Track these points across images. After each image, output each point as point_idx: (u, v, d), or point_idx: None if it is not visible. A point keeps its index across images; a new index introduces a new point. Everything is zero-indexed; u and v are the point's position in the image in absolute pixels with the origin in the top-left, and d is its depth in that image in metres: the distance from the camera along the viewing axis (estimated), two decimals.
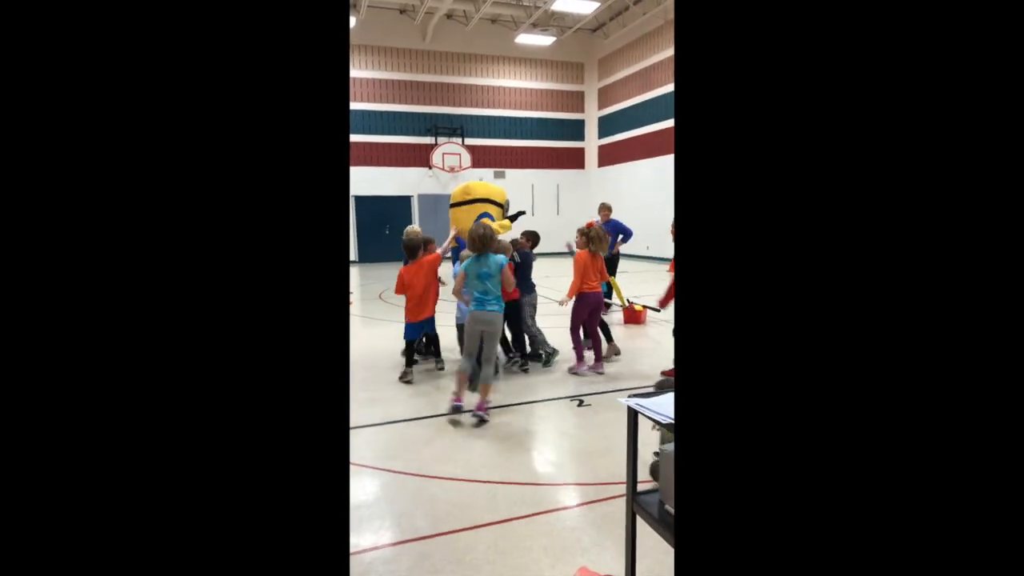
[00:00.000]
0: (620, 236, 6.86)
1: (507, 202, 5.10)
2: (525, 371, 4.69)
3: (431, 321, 4.58)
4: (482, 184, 5.22)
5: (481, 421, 3.63)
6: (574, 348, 4.68)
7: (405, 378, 4.49)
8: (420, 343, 4.93)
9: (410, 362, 4.55)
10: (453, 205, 4.90)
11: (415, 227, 4.87)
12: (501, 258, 3.72)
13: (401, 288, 4.46)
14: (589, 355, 4.75)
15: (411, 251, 4.48)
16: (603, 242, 4.57)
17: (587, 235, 4.60)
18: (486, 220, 4.42)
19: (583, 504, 2.61)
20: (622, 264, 7.37)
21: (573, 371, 4.64)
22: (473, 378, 3.83)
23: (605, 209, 6.98)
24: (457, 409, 3.70)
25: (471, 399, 3.79)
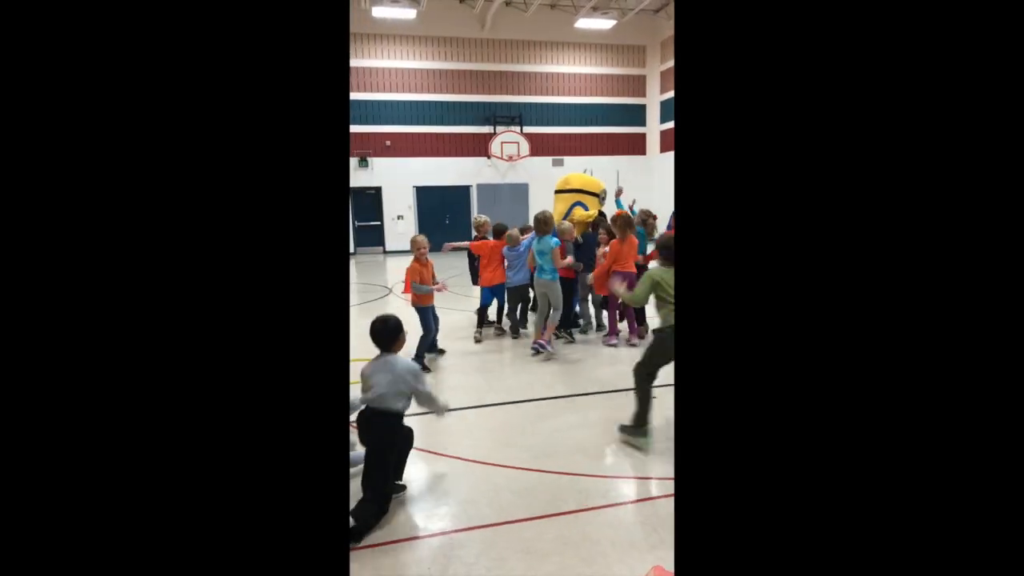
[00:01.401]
0: None
1: (604, 191, 5.99)
2: (570, 341, 5.27)
3: (501, 287, 5.47)
4: (579, 176, 6.18)
5: (538, 352, 4.76)
6: (608, 322, 5.30)
7: (477, 337, 5.47)
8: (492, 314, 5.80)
9: (480, 323, 5.57)
10: (556, 192, 6.05)
11: (483, 215, 5.99)
12: (553, 240, 4.70)
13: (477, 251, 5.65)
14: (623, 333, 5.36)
15: (497, 234, 5.63)
16: (627, 228, 4.93)
17: (614, 222, 5.02)
18: (579, 208, 5.61)
19: (649, 499, 2.56)
20: None
21: (606, 342, 5.20)
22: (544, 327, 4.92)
23: None
24: (536, 349, 4.83)
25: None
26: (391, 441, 2.42)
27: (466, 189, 15.72)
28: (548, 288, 4.77)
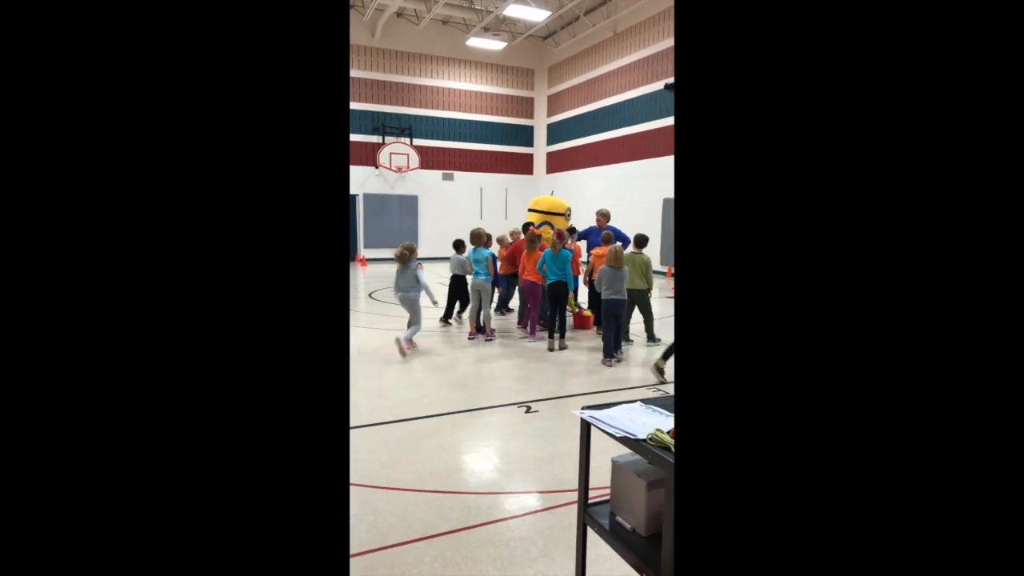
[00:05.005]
0: (618, 243, 6.99)
1: (568, 209, 7.48)
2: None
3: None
4: (547, 199, 7.77)
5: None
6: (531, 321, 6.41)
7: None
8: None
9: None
10: (529, 210, 7.68)
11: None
12: (486, 252, 6.30)
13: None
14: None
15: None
16: (532, 244, 6.11)
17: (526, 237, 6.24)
18: (547, 228, 6.80)
19: (531, 513, 2.61)
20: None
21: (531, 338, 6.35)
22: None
23: (602, 216, 6.98)
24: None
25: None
26: (460, 288, 6.45)
27: (352, 198, 15.24)
28: (482, 287, 6.20)
